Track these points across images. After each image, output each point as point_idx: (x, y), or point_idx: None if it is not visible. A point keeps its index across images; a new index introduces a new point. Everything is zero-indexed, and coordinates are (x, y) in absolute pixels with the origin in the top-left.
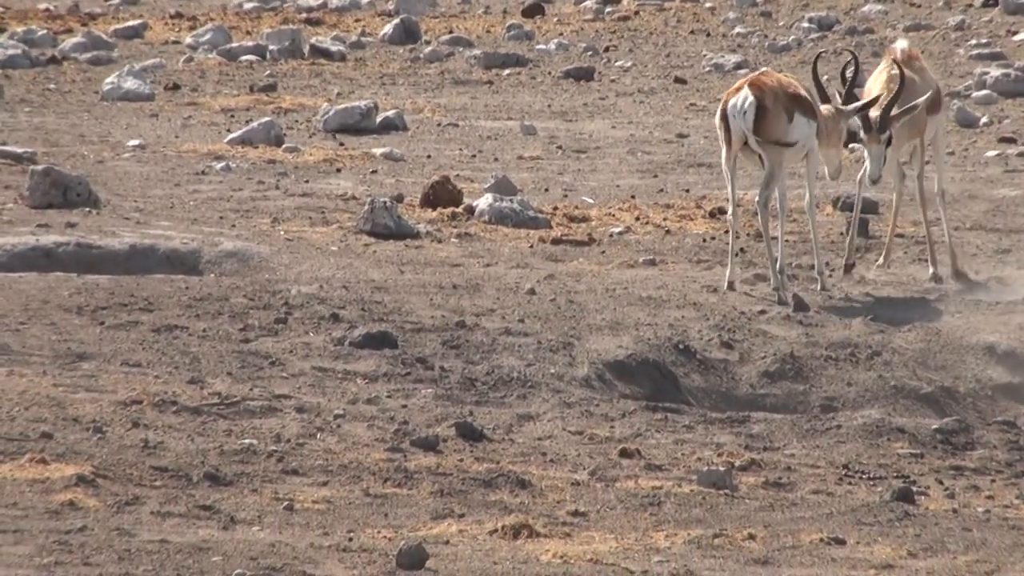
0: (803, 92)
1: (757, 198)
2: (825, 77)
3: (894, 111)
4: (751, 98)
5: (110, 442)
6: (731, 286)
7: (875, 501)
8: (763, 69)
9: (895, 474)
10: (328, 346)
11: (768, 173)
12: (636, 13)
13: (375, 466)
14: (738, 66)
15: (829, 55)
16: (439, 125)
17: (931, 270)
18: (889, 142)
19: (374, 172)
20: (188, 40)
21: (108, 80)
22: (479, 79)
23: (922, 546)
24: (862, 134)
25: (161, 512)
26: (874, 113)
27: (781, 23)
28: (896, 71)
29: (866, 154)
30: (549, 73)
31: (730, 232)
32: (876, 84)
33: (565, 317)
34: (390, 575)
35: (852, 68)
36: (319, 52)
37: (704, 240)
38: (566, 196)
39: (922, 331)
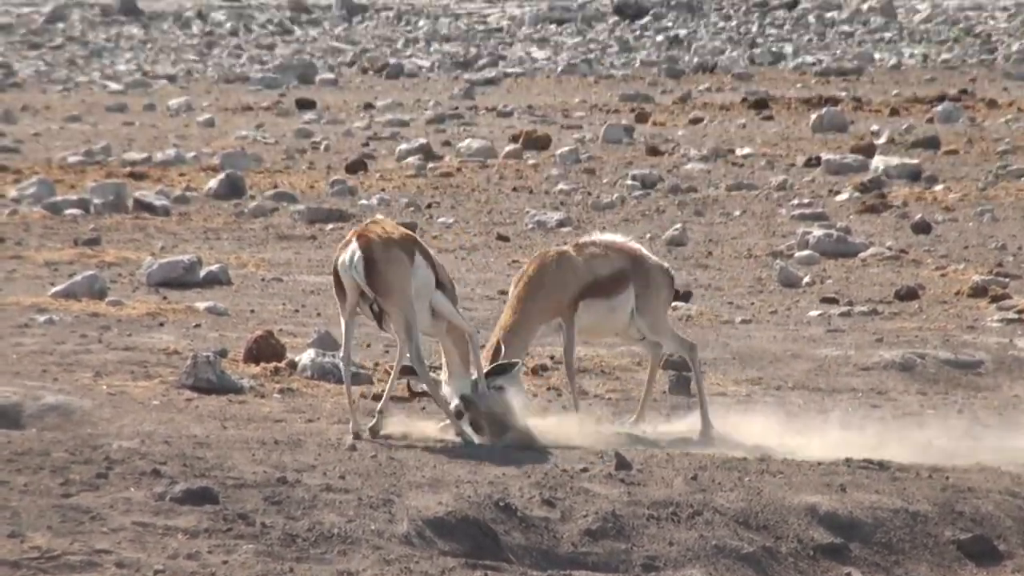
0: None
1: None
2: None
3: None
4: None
5: None
6: (356, 436)
7: None
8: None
9: None
10: (149, 501)
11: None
12: (458, 169)
13: None
14: (561, 223)
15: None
16: (263, 280)
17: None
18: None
19: (197, 326)
20: (12, 193)
21: None
22: (303, 234)
23: None
24: None
25: None
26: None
27: (605, 180)
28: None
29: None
30: None
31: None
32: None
33: (385, 474)
34: None
35: None
36: (143, 206)
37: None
38: (387, 352)
39: (743, 490)
